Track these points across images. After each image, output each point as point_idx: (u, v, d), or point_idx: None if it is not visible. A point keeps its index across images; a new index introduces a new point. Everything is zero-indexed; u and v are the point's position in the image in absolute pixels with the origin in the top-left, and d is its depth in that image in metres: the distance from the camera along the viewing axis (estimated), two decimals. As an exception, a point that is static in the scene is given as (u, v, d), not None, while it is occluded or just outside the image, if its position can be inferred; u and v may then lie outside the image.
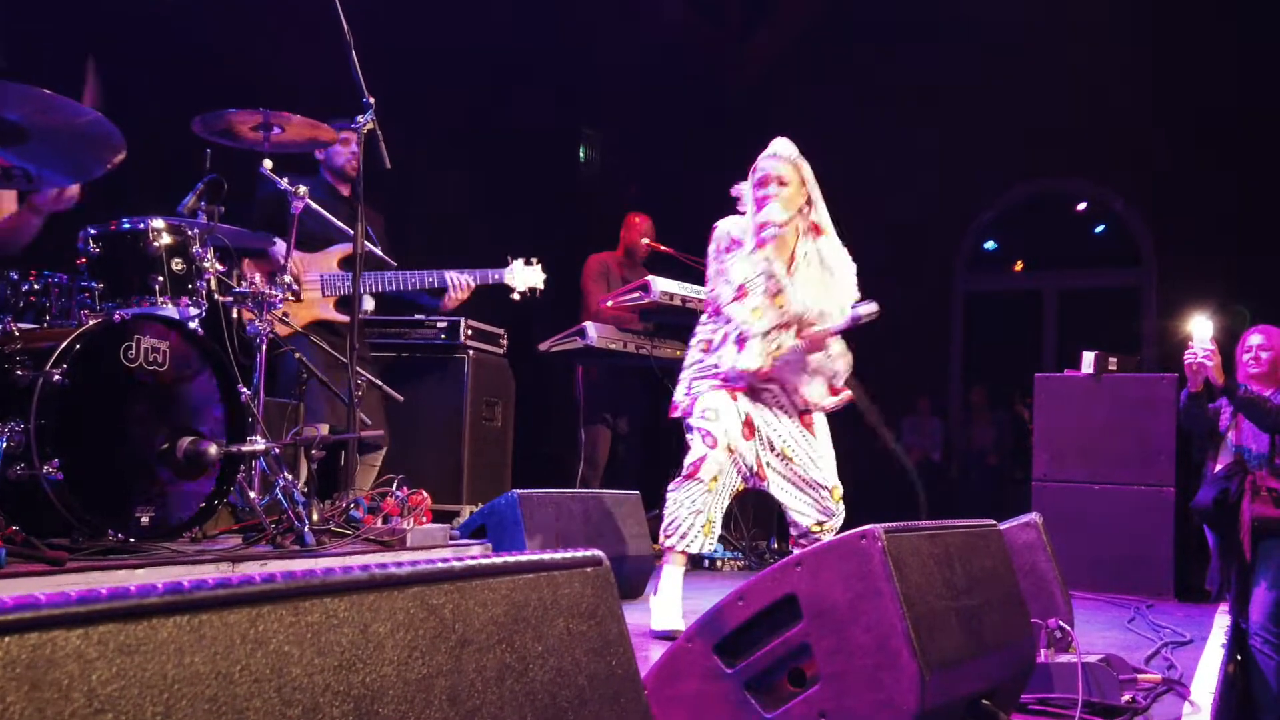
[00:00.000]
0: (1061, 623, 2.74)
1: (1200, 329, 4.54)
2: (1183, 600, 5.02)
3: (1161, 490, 5.17)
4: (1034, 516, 3.24)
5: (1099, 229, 10.03)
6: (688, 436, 3.65)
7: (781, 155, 3.53)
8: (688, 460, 3.57)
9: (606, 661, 1.33)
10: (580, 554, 1.38)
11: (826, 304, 3.55)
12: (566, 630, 1.28)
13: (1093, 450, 5.31)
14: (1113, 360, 5.37)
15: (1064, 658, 2.65)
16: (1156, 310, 9.32)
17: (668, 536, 3.55)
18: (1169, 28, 8.47)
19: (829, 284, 3.58)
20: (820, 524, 3.61)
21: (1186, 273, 8.67)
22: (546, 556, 1.32)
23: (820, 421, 3.72)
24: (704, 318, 3.75)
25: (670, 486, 3.60)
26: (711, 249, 3.64)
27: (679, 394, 3.72)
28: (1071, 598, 3.28)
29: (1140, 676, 2.89)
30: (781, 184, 3.51)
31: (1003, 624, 2.41)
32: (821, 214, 3.62)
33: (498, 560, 1.24)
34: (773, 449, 3.63)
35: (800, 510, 3.63)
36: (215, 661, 0.88)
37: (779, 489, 3.64)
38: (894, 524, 2.13)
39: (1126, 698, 2.63)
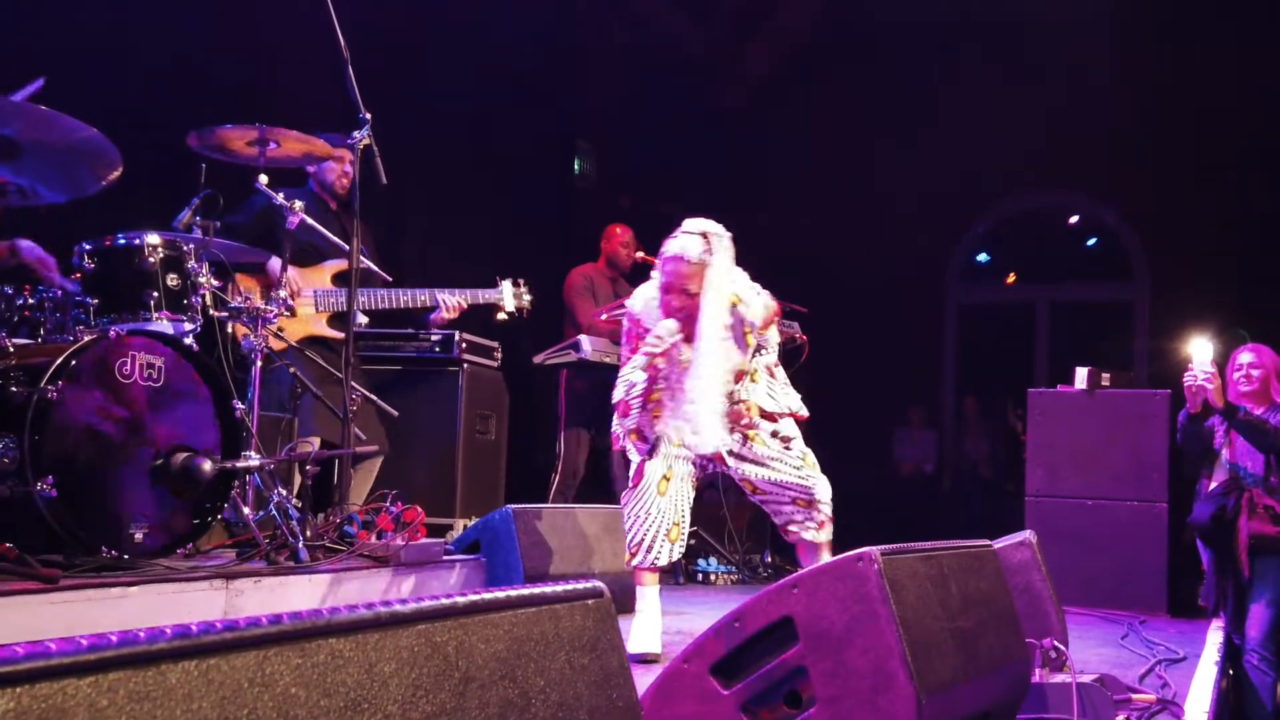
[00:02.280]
0: (1056, 643, 2.75)
1: (1200, 351, 4.55)
2: (1176, 616, 5.02)
3: (1155, 506, 5.18)
4: (1028, 535, 3.25)
5: (1091, 242, 10.07)
6: (627, 454, 3.59)
7: (689, 259, 3.36)
8: (630, 472, 3.51)
9: (607, 694, 1.33)
10: (581, 586, 1.38)
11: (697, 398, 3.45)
12: (568, 663, 1.28)
13: (1086, 466, 5.32)
14: (1105, 376, 5.39)
15: (1059, 678, 2.66)
16: (1149, 323, 9.35)
17: (632, 555, 3.45)
18: (1164, 39, 8.51)
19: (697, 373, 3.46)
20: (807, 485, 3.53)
21: (1179, 286, 8.70)
22: (548, 590, 1.32)
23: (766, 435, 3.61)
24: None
25: (621, 503, 3.52)
26: (625, 326, 3.66)
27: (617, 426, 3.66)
28: (1065, 613, 3.29)
29: (1134, 696, 2.89)
30: (686, 294, 3.39)
31: (998, 645, 2.42)
32: (710, 298, 3.42)
33: (500, 595, 1.24)
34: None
35: (784, 477, 3.55)
36: (223, 706, 0.88)
37: (751, 468, 3.56)
38: (890, 546, 2.13)
39: (1121, 718, 2.64)
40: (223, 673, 0.89)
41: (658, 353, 3.40)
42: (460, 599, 1.17)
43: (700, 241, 3.38)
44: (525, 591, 1.28)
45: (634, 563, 3.46)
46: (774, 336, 3.69)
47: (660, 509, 3.43)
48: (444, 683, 1.10)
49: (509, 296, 4.63)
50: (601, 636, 1.36)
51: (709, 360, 3.40)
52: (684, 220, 3.47)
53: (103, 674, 0.81)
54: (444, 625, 1.13)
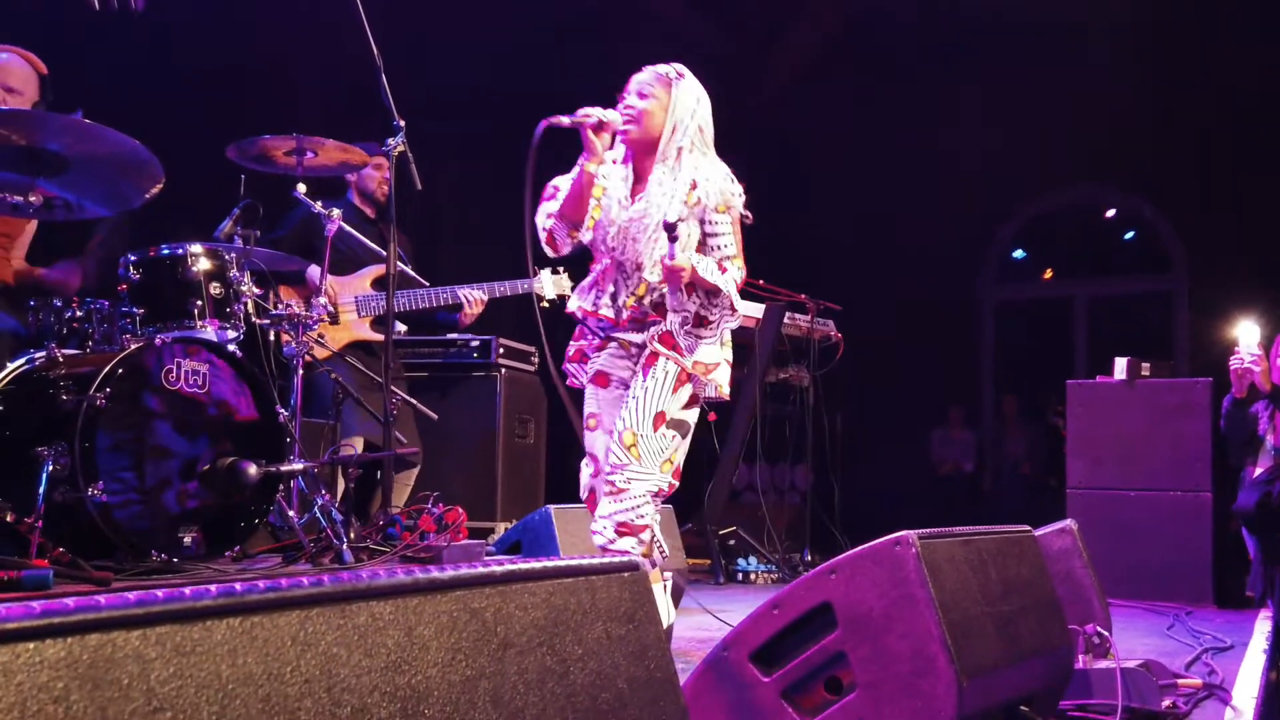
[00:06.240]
0: (1099, 628, 2.73)
1: (1247, 334, 4.51)
2: (1222, 606, 4.96)
3: (1198, 495, 5.12)
4: (1069, 523, 3.22)
5: (1128, 235, 9.98)
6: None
7: (654, 68, 3.01)
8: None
9: (645, 665, 1.35)
10: (617, 560, 1.41)
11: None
12: (605, 634, 1.31)
13: (1127, 457, 5.26)
14: (1145, 366, 5.34)
15: (1102, 663, 2.64)
16: (1189, 315, 9.25)
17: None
18: (1195, 28, 8.43)
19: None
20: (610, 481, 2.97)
21: (1217, 277, 8.60)
22: (585, 562, 1.35)
23: (663, 366, 2.98)
24: None
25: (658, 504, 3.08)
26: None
27: None
28: (1109, 605, 3.26)
29: (1180, 682, 2.87)
30: (640, 96, 2.97)
31: (1039, 629, 2.41)
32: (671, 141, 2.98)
33: (537, 565, 1.27)
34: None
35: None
36: (267, 662, 0.91)
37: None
38: (928, 530, 2.13)
39: (1167, 703, 2.61)
40: (266, 630, 0.92)
41: (590, 122, 2.91)
42: (498, 568, 1.19)
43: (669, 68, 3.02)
44: (562, 563, 1.30)
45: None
46: (730, 235, 3.02)
47: None
48: (483, 647, 1.12)
49: (549, 284, 4.65)
50: (639, 609, 1.38)
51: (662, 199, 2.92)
52: None
53: (150, 627, 0.84)
54: (482, 592, 1.15)
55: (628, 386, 3.08)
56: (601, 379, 3.15)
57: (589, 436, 3.20)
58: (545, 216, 3.07)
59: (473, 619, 1.13)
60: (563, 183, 3.08)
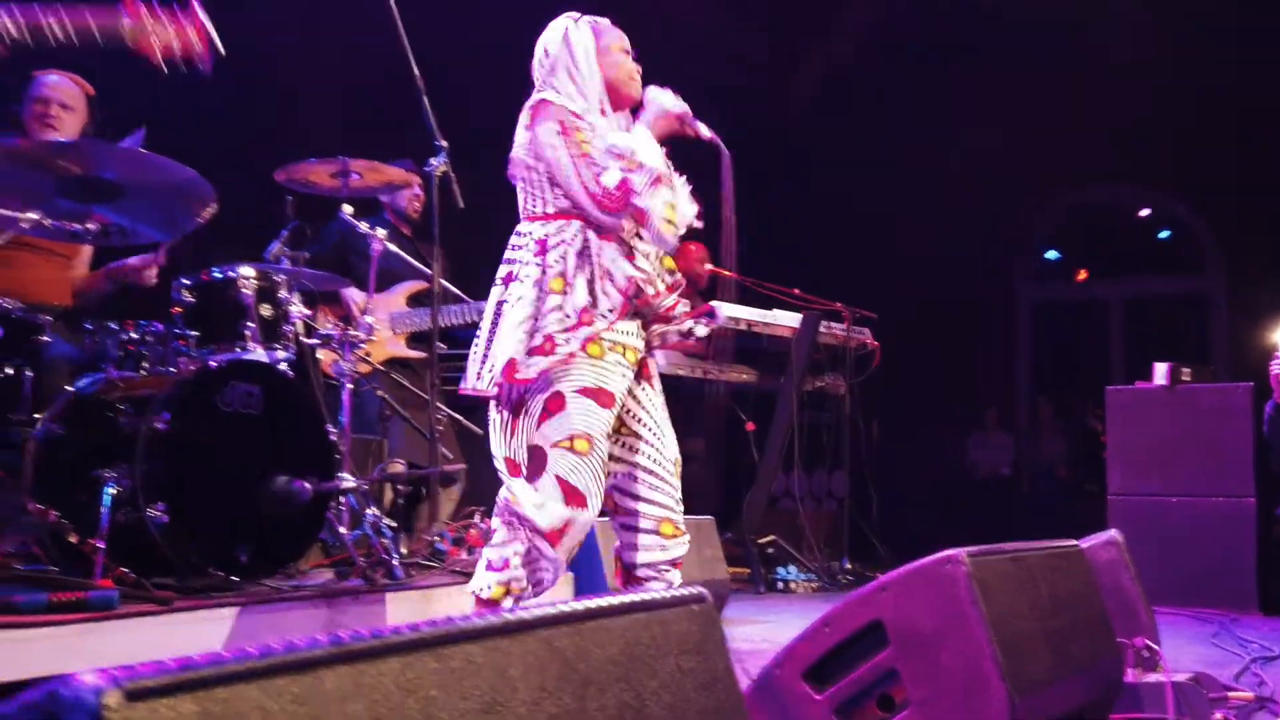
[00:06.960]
0: (1149, 642, 2.74)
1: None
2: (1268, 613, 4.93)
3: (1242, 501, 5.08)
4: (1115, 534, 3.23)
5: (1163, 235, 9.93)
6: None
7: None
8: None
9: (715, 695, 1.39)
10: (685, 592, 1.44)
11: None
12: (677, 667, 1.34)
13: (1168, 462, 5.24)
14: (1186, 371, 5.31)
15: (1152, 677, 2.65)
16: (1226, 315, 9.19)
17: None
18: (1227, 26, 8.38)
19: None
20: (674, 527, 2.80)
21: (1256, 276, 8.54)
22: (654, 596, 1.39)
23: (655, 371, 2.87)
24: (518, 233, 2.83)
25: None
26: (529, 122, 2.78)
27: (503, 356, 2.76)
28: (1154, 613, 3.27)
29: (1231, 694, 2.87)
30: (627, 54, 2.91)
31: (1089, 645, 2.43)
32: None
33: (612, 601, 1.31)
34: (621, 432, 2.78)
35: (656, 511, 2.79)
36: (374, 708, 0.96)
37: (639, 488, 2.77)
38: (977, 547, 2.16)
39: (1218, 717, 2.62)
40: (371, 677, 0.97)
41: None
42: (577, 606, 1.24)
43: None
44: (635, 598, 1.34)
45: None
46: None
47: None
48: (565, 685, 1.16)
49: None
50: (707, 640, 1.41)
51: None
52: None
53: (269, 679, 0.89)
54: (563, 630, 1.19)
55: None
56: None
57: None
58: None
59: (555, 657, 1.17)
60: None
